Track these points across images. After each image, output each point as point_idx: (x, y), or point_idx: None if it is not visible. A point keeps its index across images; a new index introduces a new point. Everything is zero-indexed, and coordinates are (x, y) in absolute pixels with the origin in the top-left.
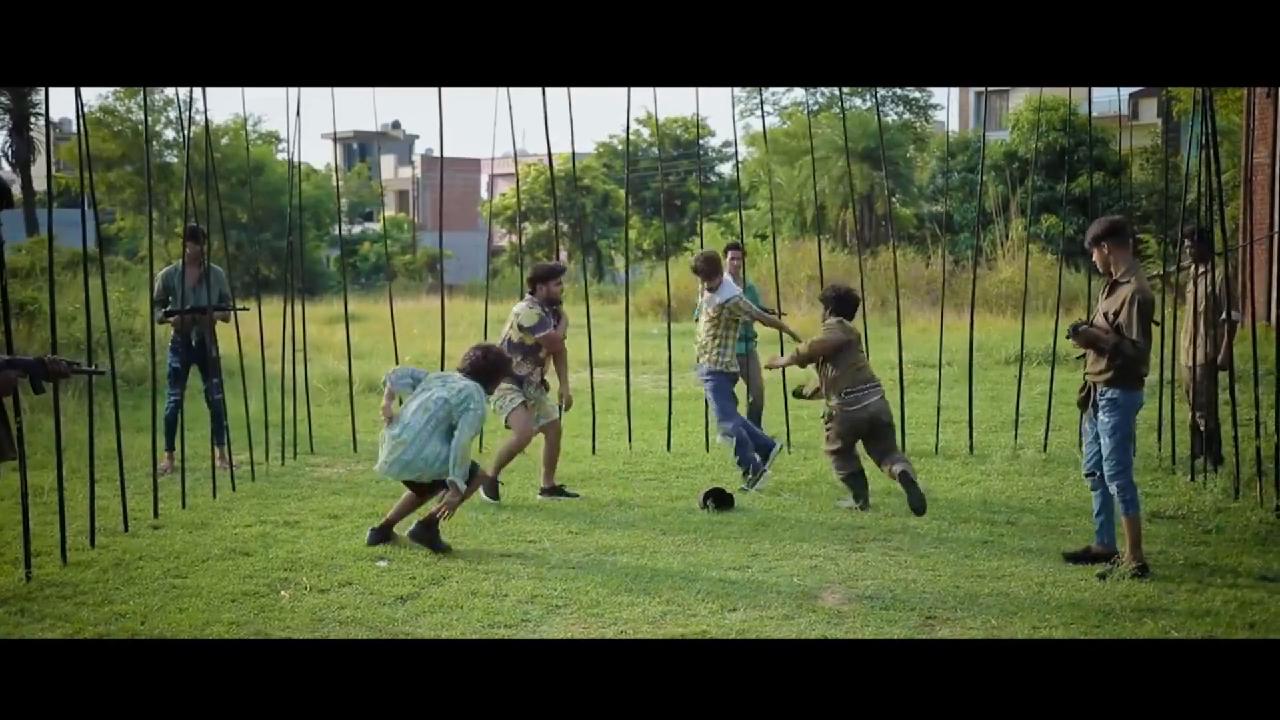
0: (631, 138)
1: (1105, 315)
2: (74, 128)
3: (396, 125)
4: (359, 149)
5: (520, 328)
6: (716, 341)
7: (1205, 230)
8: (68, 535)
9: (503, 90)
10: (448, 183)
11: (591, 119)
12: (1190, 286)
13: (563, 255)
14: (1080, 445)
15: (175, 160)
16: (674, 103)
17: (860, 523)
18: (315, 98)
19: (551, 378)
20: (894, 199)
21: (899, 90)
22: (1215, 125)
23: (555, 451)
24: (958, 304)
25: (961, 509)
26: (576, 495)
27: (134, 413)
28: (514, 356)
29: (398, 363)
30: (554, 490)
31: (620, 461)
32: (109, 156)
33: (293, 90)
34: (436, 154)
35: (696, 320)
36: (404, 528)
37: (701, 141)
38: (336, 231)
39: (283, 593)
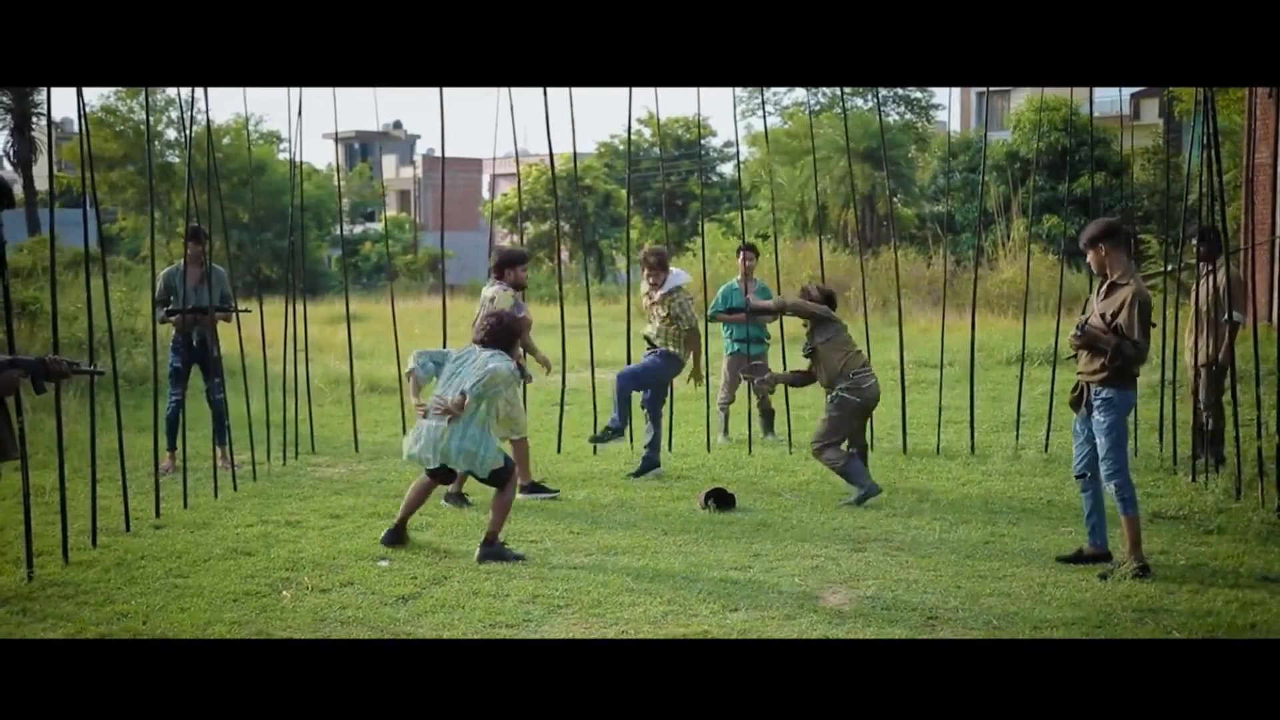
0: (637, 139)
1: (1102, 316)
2: (75, 127)
3: (398, 125)
4: (360, 149)
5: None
6: (669, 333)
7: (1212, 230)
8: (69, 535)
9: (504, 90)
10: (449, 183)
11: (592, 119)
12: (1196, 286)
13: (564, 255)
14: None
15: (177, 160)
16: (675, 103)
17: (861, 523)
18: (316, 98)
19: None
20: (895, 199)
21: (900, 90)
22: (1217, 125)
23: (524, 458)
24: (959, 304)
25: (963, 509)
26: (555, 492)
27: (135, 412)
28: None
29: (399, 363)
30: (531, 486)
31: (621, 462)
32: (110, 156)
33: (294, 90)
34: (438, 154)
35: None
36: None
37: (703, 141)
38: (338, 231)
39: (284, 592)
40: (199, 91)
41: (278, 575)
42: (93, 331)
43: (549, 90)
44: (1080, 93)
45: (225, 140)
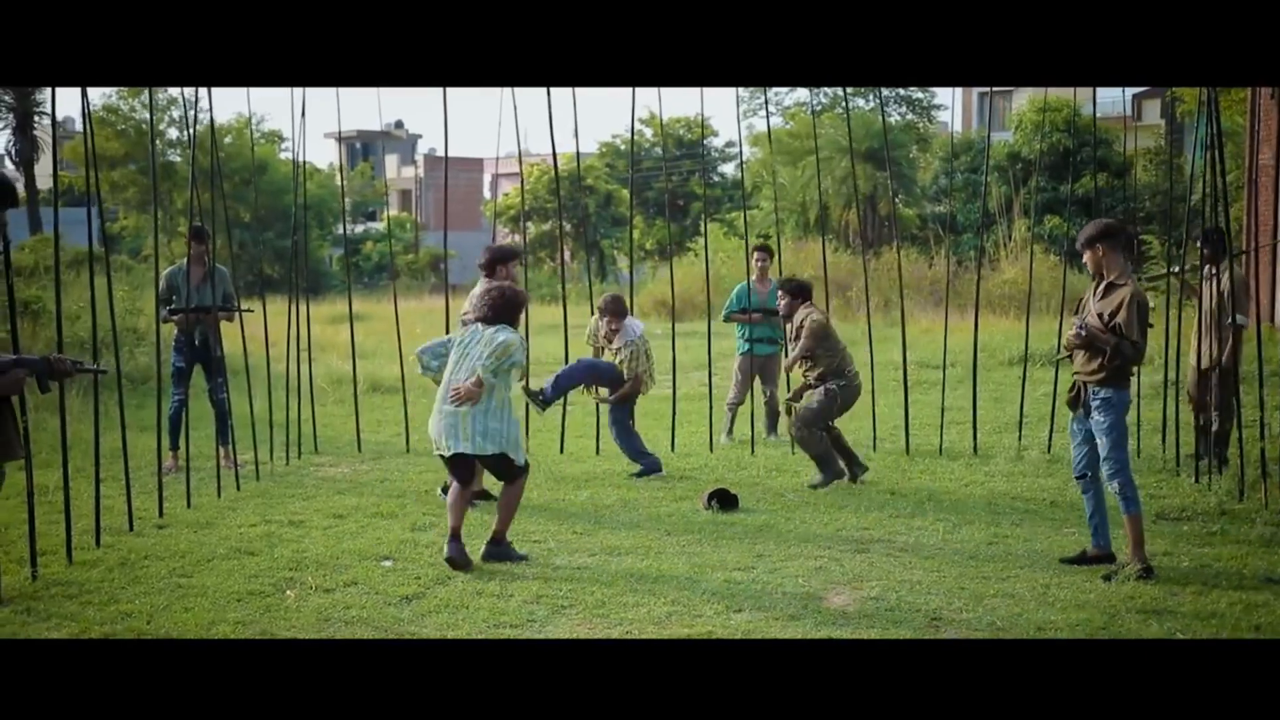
0: (638, 139)
1: (1100, 316)
2: (76, 126)
3: (399, 125)
4: (362, 148)
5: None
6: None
7: (1217, 231)
8: (73, 534)
9: (507, 90)
10: (450, 182)
11: (593, 119)
12: (1202, 287)
13: (565, 255)
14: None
15: (179, 159)
16: (677, 103)
17: (864, 524)
18: (318, 97)
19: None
20: (896, 199)
21: (902, 91)
22: (1220, 126)
23: None
24: (960, 305)
25: (966, 510)
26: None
27: (138, 412)
28: None
29: (402, 363)
30: (482, 494)
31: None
32: (112, 155)
33: (296, 90)
34: (439, 153)
35: (589, 342)
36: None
37: (704, 141)
38: (339, 231)
39: (288, 592)
40: (202, 91)
41: (281, 575)
42: (96, 331)
43: (551, 90)
44: (1082, 93)
45: (227, 140)
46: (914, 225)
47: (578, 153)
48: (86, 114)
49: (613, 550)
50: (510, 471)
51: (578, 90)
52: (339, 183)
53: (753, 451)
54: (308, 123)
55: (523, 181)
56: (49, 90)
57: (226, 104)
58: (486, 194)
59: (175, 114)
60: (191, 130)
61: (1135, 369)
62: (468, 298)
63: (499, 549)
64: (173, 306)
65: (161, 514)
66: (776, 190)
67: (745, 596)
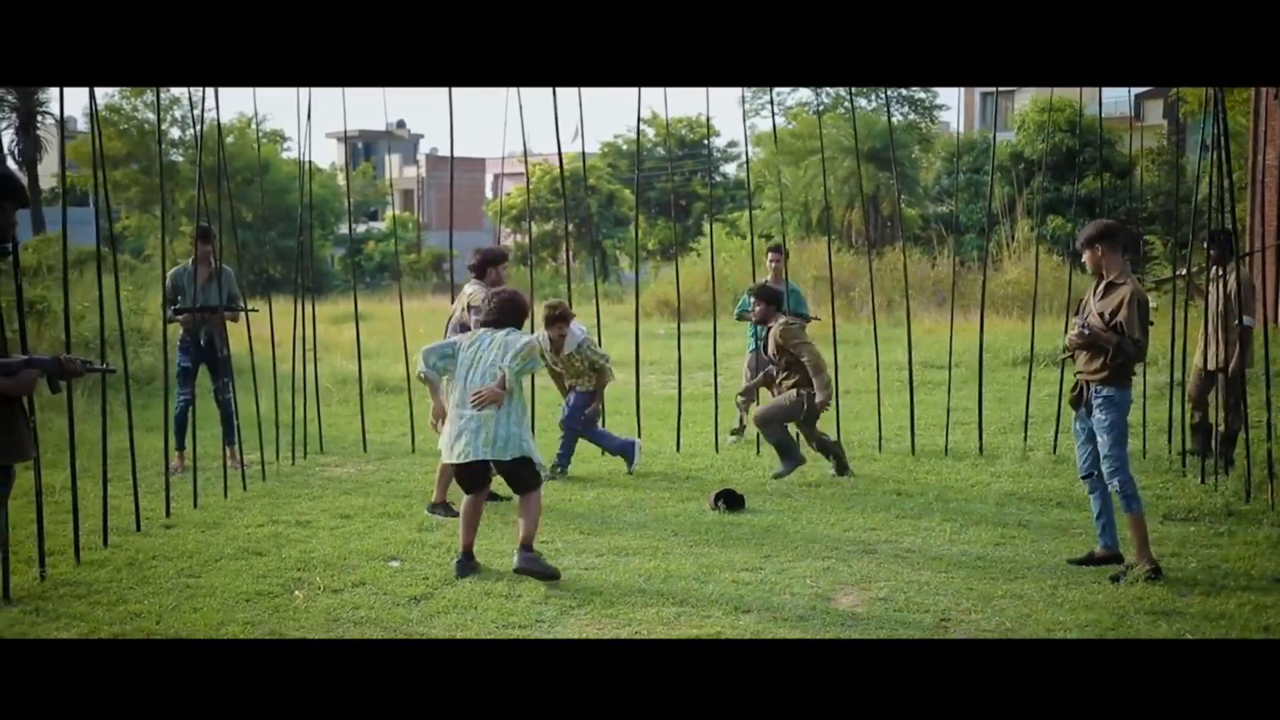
0: (639, 139)
1: (1101, 315)
2: (78, 126)
3: (401, 124)
4: (364, 148)
5: (470, 308)
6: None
7: (1224, 232)
8: (80, 534)
9: (512, 90)
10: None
11: (594, 119)
12: (1208, 288)
13: (569, 255)
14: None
15: (180, 159)
16: (678, 103)
17: (871, 524)
18: (319, 97)
19: None
20: (900, 199)
21: (904, 91)
22: (1227, 126)
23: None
24: (964, 305)
25: (973, 511)
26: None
27: (142, 412)
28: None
29: (407, 362)
30: (445, 506)
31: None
32: (114, 155)
33: (299, 90)
34: (441, 153)
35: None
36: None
37: (707, 141)
38: (341, 231)
39: (297, 593)
40: (207, 90)
41: (289, 575)
42: (104, 331)
43: (556, 90)
44: (1085, 93)
45: (229, 139)
46: (916, 225)
47: (584, 152)
48: (94, 115)
49: (620, 551)
50: (529, 480)
51: (570, 90)
52: (346, 182)
53: (758, 452)
54: (298, 119)
55: (528, 181)
56: (52, 90)
57: (228, 104)
58: (488, 194)
59: (177, 114)
60: (198, 129)
61: (1137, 367)
62: (457, 299)
63: (530, 555)
64: (178, 306)
65: (168, 514)
66: (783, 191)
67: (754, 597)
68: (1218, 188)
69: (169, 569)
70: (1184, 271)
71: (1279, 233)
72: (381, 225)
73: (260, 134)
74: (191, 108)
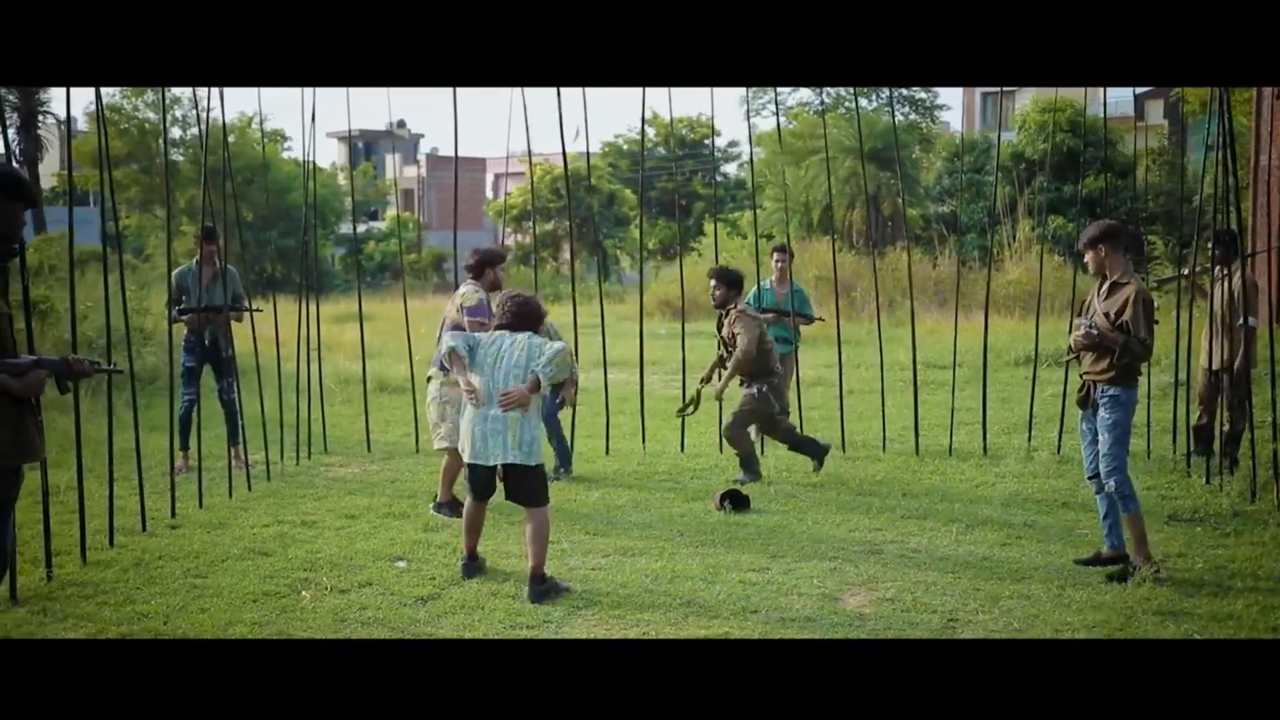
0: (639, 138)
1: (1106, 315)
2: (79, 126)
3: (401, 124)
4: (364, 148)
5: (463, 307)
6: None
7: (1229, 233)
8: (87, 535)
9: (516, 90)
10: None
11: (594, 119)
12: (1212, 289)
13: (569, 254)
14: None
15: (182, 159)
16: (679, 102)
17: (877, 524)
18: (320, 96)
19: None
20: (900, 199)
21: (904, 91)
22: (1232, 125)
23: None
24: (964, 305)
25: (978, 511)
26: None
27: (145, 412)
28: None
29: (411, 362)
30: (451, 504)
31: (634, 462)
32: (114, 154)
33: (299, 90)
34: (441, 153)
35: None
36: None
37: (708, 141)
38: (341, 230)
39: (304, 593)
40: (211, 90)
41: (296, 576)
42: (110, 331)
43: (561, 90)
44: (1085, 93)
45: (230, 139)
46: (917, 225)
47: (589, 152)
48: (101, 115)
49: (626, 551)
50: (539, 492)
51: (573, 90)
52: (340, 182)
53: (762, 452)
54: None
55: (532, 181)
56: (52, 89)
57: (228, 103)
58: (489, 193)
59: (178, 113)
60: (203, 129)
61: (1143, 367)
62: (450, 300)
63: (543, 586)
64: (183, 306)
65: (174, 514)
66: (787, 190)
67: (761, 598)
68: (1222, 187)
69: (175, 569)
70: (1186, 271)
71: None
72: (382, 225)
73: (262, 133)
74: (197, 108)
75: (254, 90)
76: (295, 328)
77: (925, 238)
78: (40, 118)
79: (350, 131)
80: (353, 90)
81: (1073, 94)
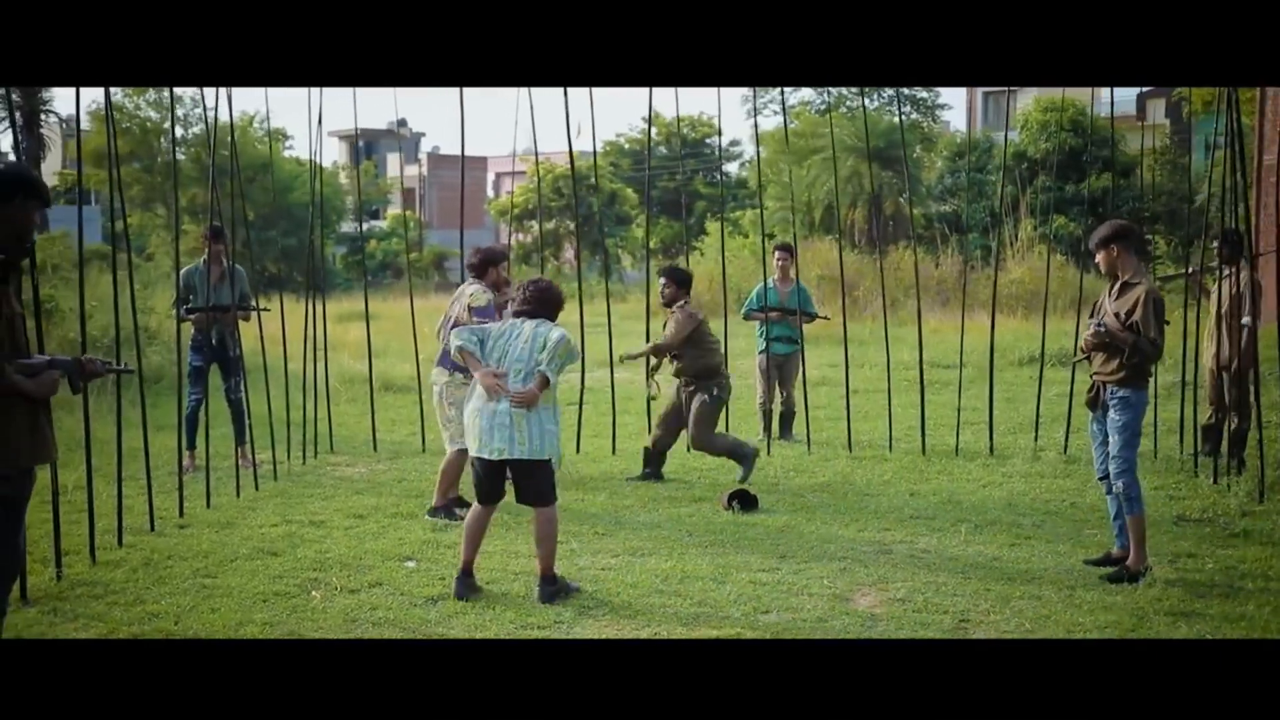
0: (641, 137)
1: (1117, 315)
2: (80, 125)
3: (403, 123)
4: (365, 147)
5: (470, 308)
6: None
7: (1235, 232)
8: (95, 534)
9: (522, 90)
10: (455, 181)
11: (596, 118)
12: (1216, 288)
13: (572, 254)
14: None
15: (183, 158)
16: (682, 102)
17: (885, 524)
18: (322, 96)
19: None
20: (902, 198)
21: (906, 90)
22: (1241, 124)
23: (458, 471)
24: (967, 304)
25: (986, 511)
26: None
27: (151, 411)
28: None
29: (417, 361)
30: (448, 507)
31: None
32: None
33: (303, 90)
34: (442, 152)
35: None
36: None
37: (710, 140)
38: (343, 229)
39: (314, 593)
40: (220, 90)
41: (306, 575)
42: (119, 330)
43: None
44: (1086, 93)
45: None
46: (920, 225)
47: (595, 151)
48: (110, 116)
49: (636, 551)
50: (546, 490)
51: (577, 89)
52: (342, 181)
53: (769, 452)
54: (310, 121)
55: (539, 181)
56: (54, 89)
57: (234, 102)
58: (489, 192)
59: (179, 112)
60: (210, 129)
61: (1153, 368)
62: (451, 298)
63: (554, 587)
64: (190, 306)
65: (182, 514)
66: (785, 189)
67: (772, 598)
68: (1230, 187)
69: (185, 569)
70: (1192, 270)
71: None
72: (383, 224)
73: (262, 133)
74: (204, 107)
75: (259, 90)
76: (300, 327)
77: (927, 237)
78: (43, 116)
79: (357, 130)
80: (355, 90)
81: (1077, 93)
